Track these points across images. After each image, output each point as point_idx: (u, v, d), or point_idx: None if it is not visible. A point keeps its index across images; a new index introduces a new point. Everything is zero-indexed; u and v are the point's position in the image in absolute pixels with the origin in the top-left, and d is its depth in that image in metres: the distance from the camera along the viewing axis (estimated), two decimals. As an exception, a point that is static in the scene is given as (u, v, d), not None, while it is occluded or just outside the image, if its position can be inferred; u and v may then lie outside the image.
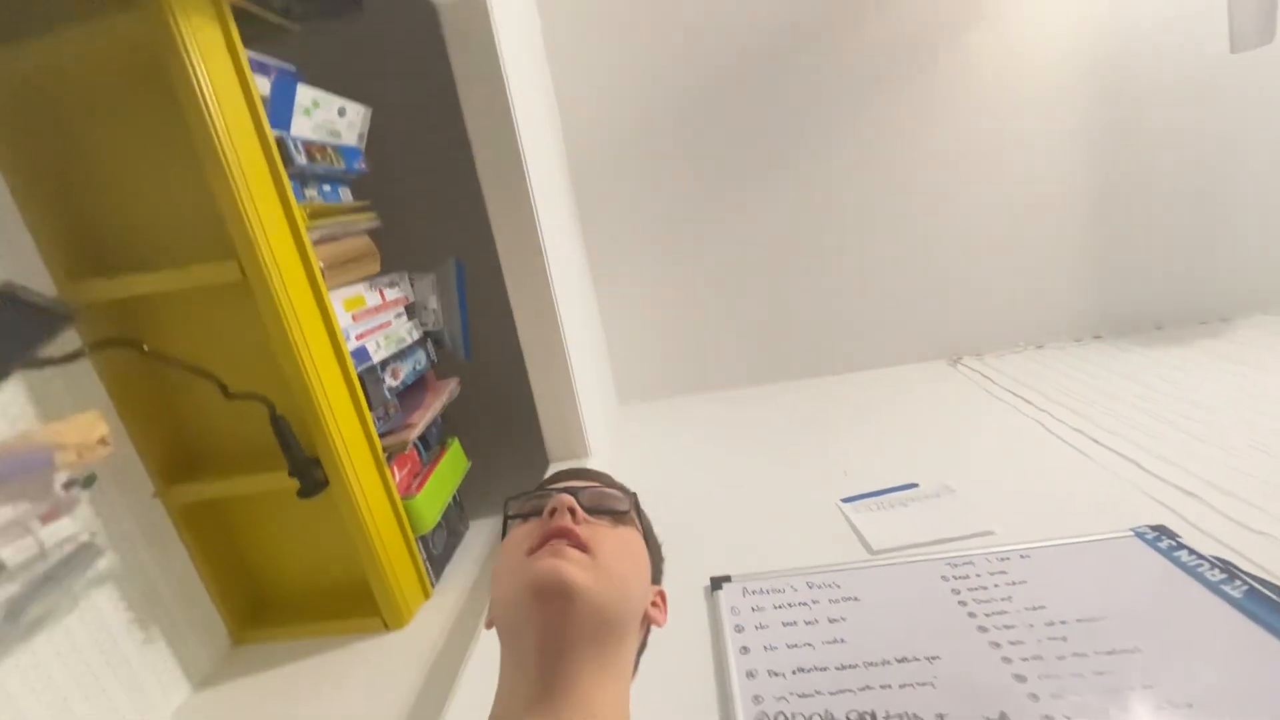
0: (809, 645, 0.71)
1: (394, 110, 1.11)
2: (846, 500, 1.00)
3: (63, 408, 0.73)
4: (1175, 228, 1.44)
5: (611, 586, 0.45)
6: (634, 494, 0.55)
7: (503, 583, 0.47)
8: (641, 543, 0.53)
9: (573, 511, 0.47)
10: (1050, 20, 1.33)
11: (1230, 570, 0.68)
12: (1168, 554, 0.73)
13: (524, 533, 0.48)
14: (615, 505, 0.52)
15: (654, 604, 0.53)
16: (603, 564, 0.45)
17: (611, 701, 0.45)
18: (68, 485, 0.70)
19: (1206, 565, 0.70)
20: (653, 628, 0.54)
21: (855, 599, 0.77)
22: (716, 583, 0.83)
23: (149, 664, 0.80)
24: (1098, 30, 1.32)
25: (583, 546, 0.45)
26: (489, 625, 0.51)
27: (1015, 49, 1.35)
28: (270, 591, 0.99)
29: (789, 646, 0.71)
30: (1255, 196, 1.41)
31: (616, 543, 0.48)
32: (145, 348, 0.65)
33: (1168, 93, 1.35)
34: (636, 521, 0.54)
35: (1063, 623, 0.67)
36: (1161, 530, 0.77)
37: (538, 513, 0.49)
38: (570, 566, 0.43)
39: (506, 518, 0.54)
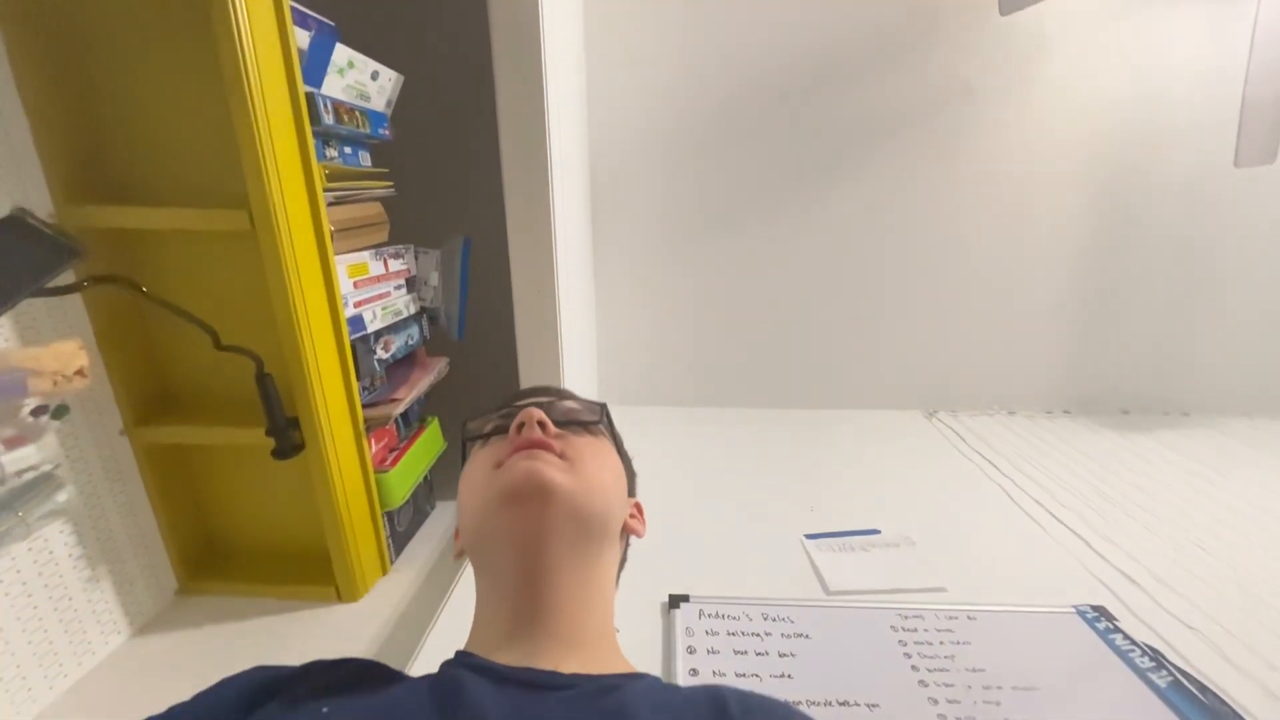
0: (756, 676, 0.72)
1: (423, 81, 1.10)
2: (810, 536, 1.02)
3: (43, 332, 0.71)
4: (1153, 321, 1.51)
5: (592, 490, 0.42)
6: (604, 405, 0.52)
7: (471, 502, 0.43)
8: (615, 454, 0.50)
9: (542, 425, 0.43)
10: (1072, 109, 1.37)
11: (1159, 660, 0.72)
12: (1104, 635, 0.77)
13: (489, 452, 0.44)
14: (585, 417, 0.49)
15: (631, 515, 0.51)
16: (581, 470, 0.42)
17: (596, 616, 0.43)
18: (36, 412, 0.68)
19: (1138, 651, 0.73)
20: (632, 540, 0.52)
21: (806, 636, 0.79)
22: (674, 601, 0.85)
23: (91, 603, 0.78)
24: (1114, 127, 1.38)
25: (558, 454, 0.42)
26: (458, 555, 0.47)
27: (1032, 130, 1.39)
28: (224, 545, 0.98)
29: (737, 675, 0.72)
30: (1232, 304, 1.48)
31: (592, 451, 0.45)
32: (145, 289, 0.63)
33: (1168, 195, 1.41)
34: (607, 434, 0.51)
35: (999, 688, 0.69)
36: (1101, 611, 0.81)
37: (502, 431, 0.45)
38: (547, 468, 0.40)
39: (465, 440, 0.49)
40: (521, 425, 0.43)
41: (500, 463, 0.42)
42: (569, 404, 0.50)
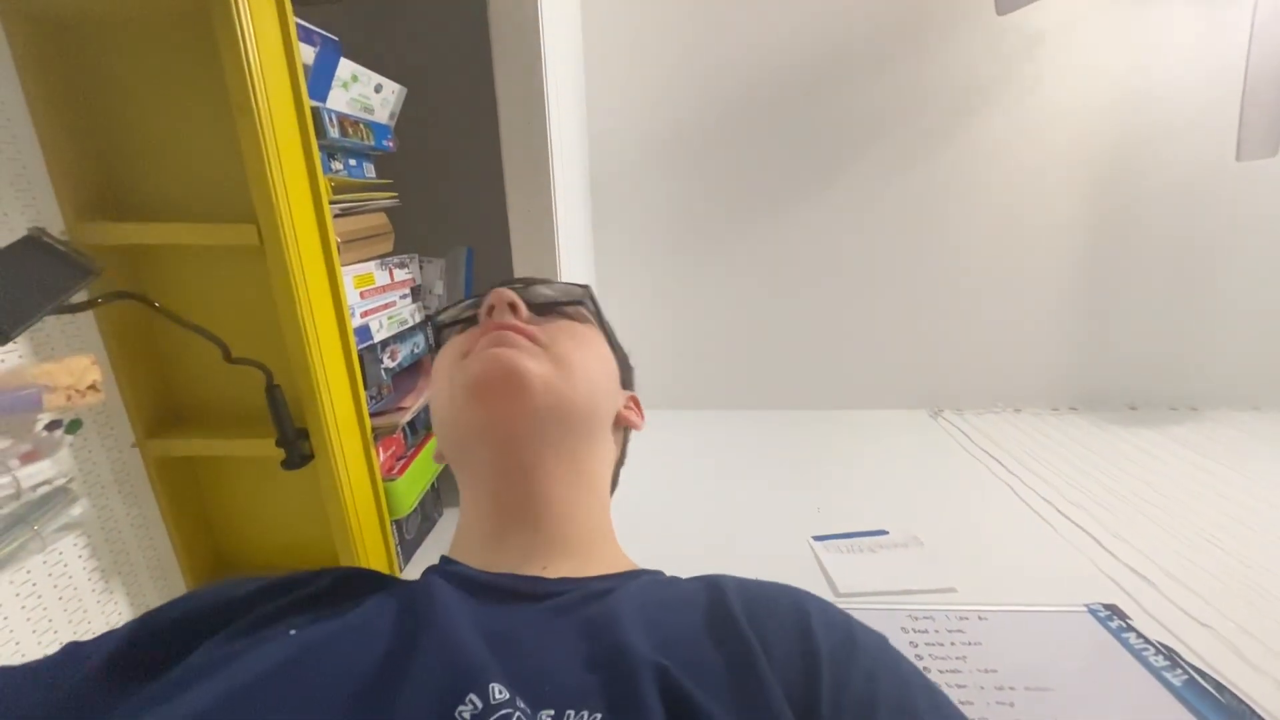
0: (768, 679, 0.72)
1: (425, 92, 1.11)
2: (818, 538, 1.02)
3: (57, 348, 0.72)
4: (1157, 317, 1.50)
5: (570, 376, 0.38)
6: (586, 286, 0.46)
7: (440, 397, 0.40)
8: (603, 341, 0.45)
9: (514, 308, 0.39)
10: (1074, 106, 1.38)
11: (1173, 658, 0.72)
12: (1117, 634, 0.77)
13: (458, 341, 0.40)
14: (567, 298, 0.44)
15: (626, 407, 0.46)
16: (558, 354, 0.38)
17: (590, 514, 0.39)
18: (51, 427, 0.69)
19: (1151, 650, 0.73)
20: (632, 434, 0.47)
21: (817, 639, 0.79)
22: (684, 605, 0.85)
23: (105, 615, 0.79)
24: (1116, 123, 1.38)
25: (531, 338, 0.38)
26: (438, 458, 0.44)
27: (1035, 129, 1.39)
28: (235, 555, 0.98)
29: (749, 678, 0.72)
30: (1235, 298, 1.47)
31: (572, 335, 0.41)
32: (157, 304, 0.64)
33: (1172, 190, 1.41)
34: (595, 320, 0.47)
35: (1011, 688, 0.69)
36: (1113, 610, 0.81)
37: (474, 321, 0.41)
38: (518, 354, 0.36)
39: (438, 330, 0.45)
40: (492, 309, 0.39)
41: (468, 351, 0.38)
42: (545, 289, 0.45)
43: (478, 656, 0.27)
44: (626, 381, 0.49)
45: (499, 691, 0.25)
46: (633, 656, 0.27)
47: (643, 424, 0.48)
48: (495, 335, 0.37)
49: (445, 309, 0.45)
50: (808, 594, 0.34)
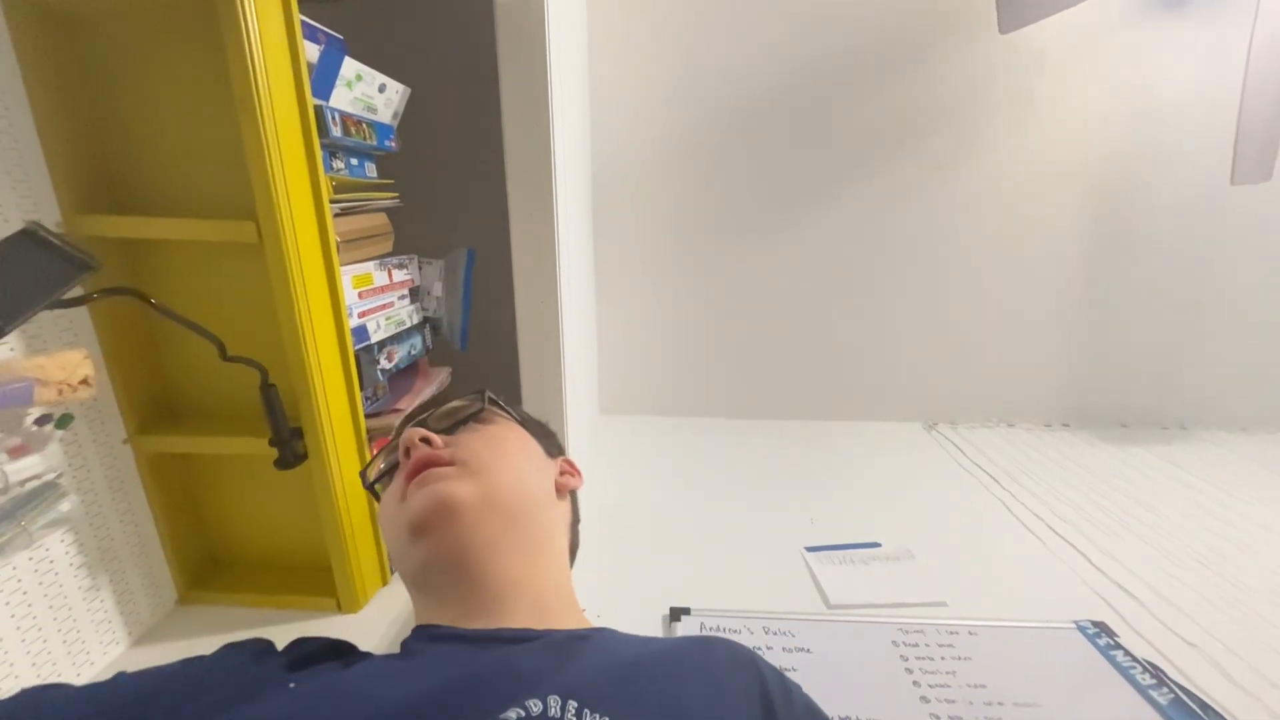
0: (758, 690, 0.72)
1: (429, 93, 1.11)
2: (811, 549, 1.03)
3: (49, 341, 0.71)
4: (1151, 334, 1.52)
5: (494, 479, 0.43)
6: (483, 390, 0.52)
7: (392, 543, 0.44)
8: (517, 429, 0.51)
9: (428, 441, 0.45)
10: (1071, 125, 1.39)
11: (1159, 676, 0.72)
12: (1104, 651, 0.77)
13: (394, 487, 0.45)
14: (468, 411, 0.50)
15: (561, 473, 0.51)
16: (477, 464, 0.43)
17: (547, 581, 0.44)
18: (41, 421, 0.68)
19: (1139, 668, 0.74)
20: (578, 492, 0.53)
21: (807, 650, 0.79)
22: (676, 613, 0.85)
23: (91, 612, 0.78)
24: (1115, 142, 1.40)
25: (449, 463, 0.43)
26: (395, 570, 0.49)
27: (1032, 146, 1.41)
28: (225, 555, 0.97)
29: (739, 689, 0.72)
30: (1229, 319, 1.49)
31: (484, 440, 0.47)
32: (152, 300, 0.64)
33: (1167, 209, 1.43)
34: (503, 413, 0.52)
35: (1000, 704, 0.70)
36: (1101, 627, 0.81)
37: (397, 465, 0.47)
38: (443, 485, 0.41)
39: (371, 489, 0.51)
40: (409, 450, 0.44)
41: (404, 495, 0.43)
42: (448, 406, 0.51)
43: (523, 674, 0.30)
44: (551, 450, 0.54)
45: (554, 703, 0.28)
46: (643, 665, 0.31)
47: (581, 482, 0.53)
48: (421, 477, 0.42)
49: (368, 466, 0.51)
50: (747, 648, 0.41)
